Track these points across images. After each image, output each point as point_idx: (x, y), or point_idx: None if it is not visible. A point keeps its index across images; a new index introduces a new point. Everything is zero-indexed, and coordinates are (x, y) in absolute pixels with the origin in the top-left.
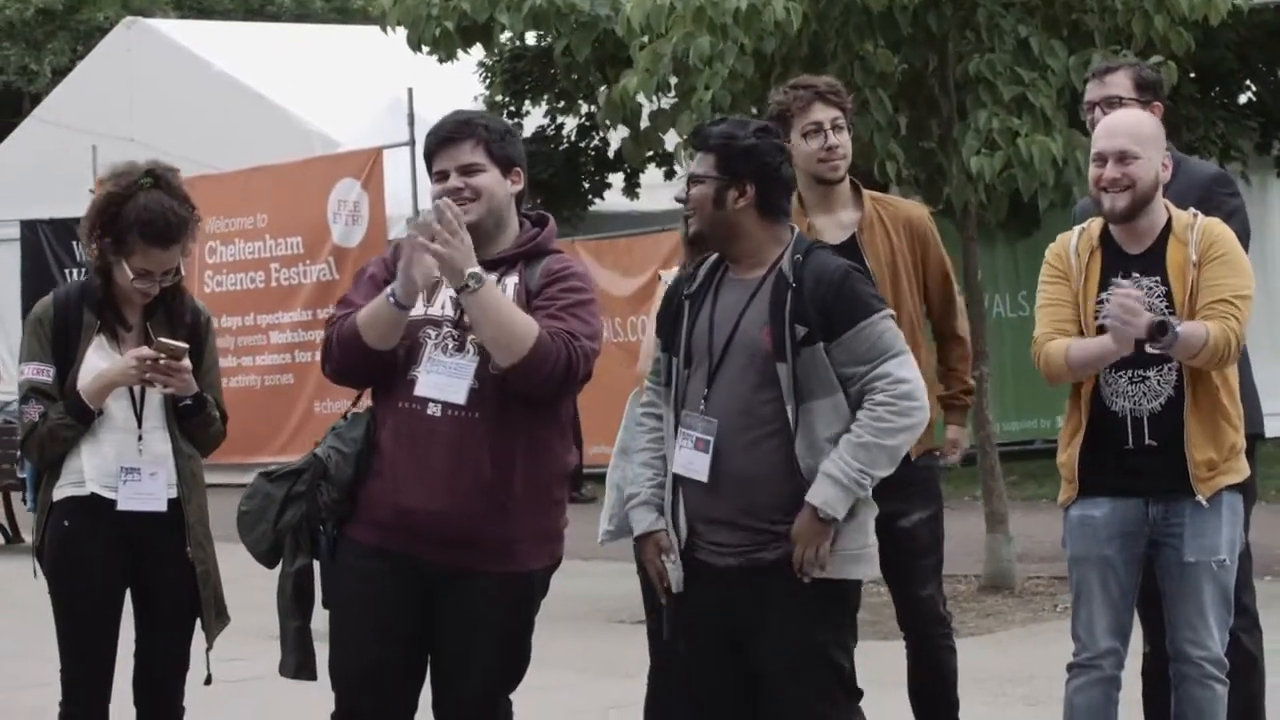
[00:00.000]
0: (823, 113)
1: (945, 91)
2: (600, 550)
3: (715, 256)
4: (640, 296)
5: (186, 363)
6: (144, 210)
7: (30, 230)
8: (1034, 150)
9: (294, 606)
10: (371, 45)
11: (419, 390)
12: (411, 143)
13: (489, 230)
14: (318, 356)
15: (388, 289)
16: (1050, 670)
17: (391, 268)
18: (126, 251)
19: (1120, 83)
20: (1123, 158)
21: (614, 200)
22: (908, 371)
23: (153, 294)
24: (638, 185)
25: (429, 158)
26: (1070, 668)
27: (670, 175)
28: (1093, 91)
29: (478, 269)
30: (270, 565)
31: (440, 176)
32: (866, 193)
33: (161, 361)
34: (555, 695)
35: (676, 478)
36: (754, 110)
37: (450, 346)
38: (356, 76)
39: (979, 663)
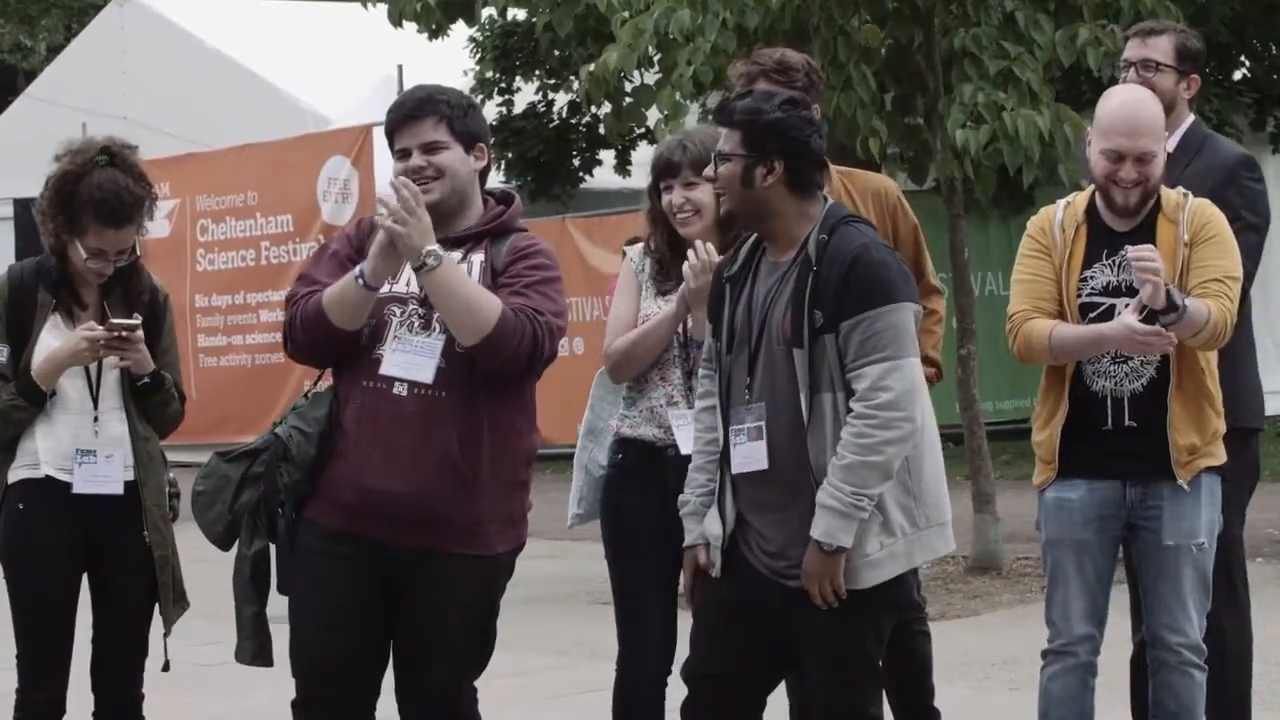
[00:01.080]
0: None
1: (931, 67)
2: (574, 531)
3: (755, 236)
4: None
5: (140, 335)
6: (97, 189)
7: (24, 208)
8: (1020, 124)
9: (251, 591)
10: (362, 22)
11: (385, 369)
12: None
13: (453, 208)
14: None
15: (356, 269)
16: (1034, 655)
17: (355, 245)
18: (80, 231)
19: (1162, 47)
20: (1143, 158)
21: (605, 177)
22: (892, 379)
23: (107, 274)
24: (629, 162)
25: (390, 135)
26: (1045, 654)
27: None
28: (1132, 50)
29: (435, 247)
30: (225, 548)
31: (402, 154)
32: (833, 167)
33: (116, 335)
34: (534, 679)
35: (724, 468)
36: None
37: (416, 325)
38: (348, 53)
39: (964, 646)
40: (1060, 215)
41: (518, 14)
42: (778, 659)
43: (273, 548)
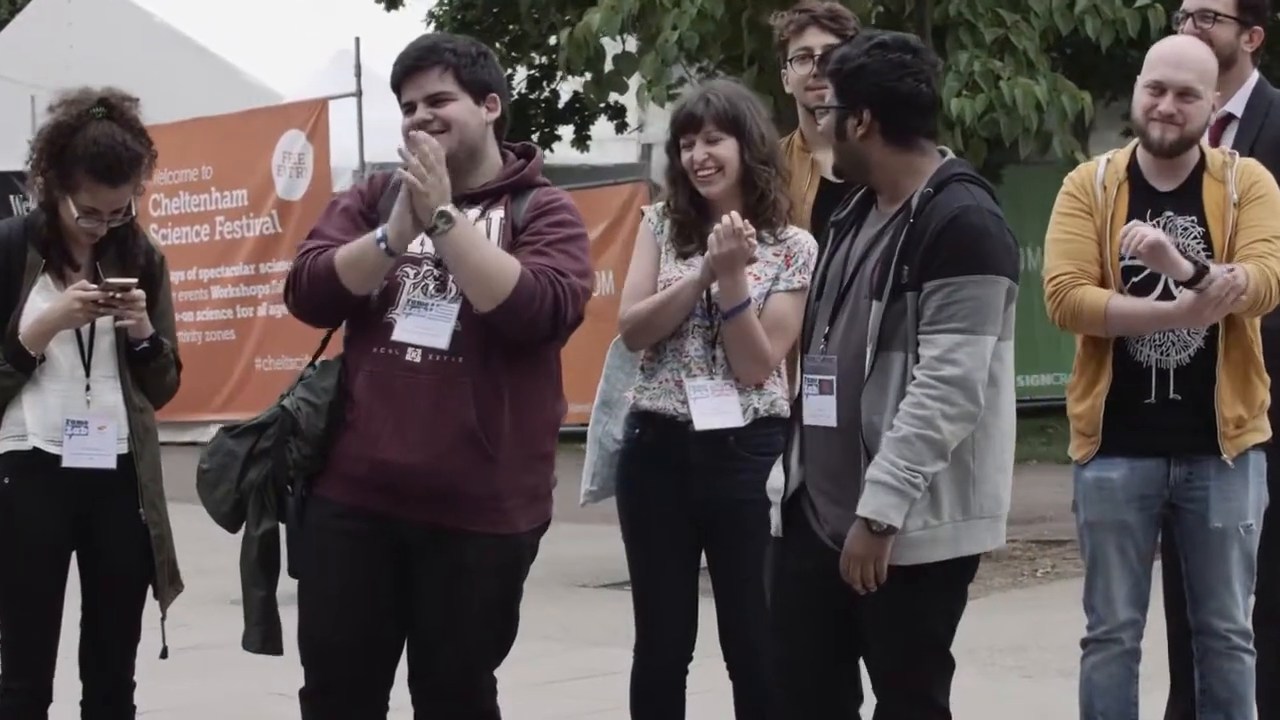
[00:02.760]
0: (815, 38)
1: (923, 35)
2: (566, 513)
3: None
4: (594, 251)
5: (139, 294)
6: (93, 144)
7: None
8: (1017, 93)
9: (259, 574)
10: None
11: (398, 335)
12: (359, 94)
13: (462, 163)
14: (259, 311)
15: (378, 231)
16: (1041, 641)
17: (367, 200)
18: (72, 187)
19: None
20: (1185, 92)
21: (563, 153)
22: (963, 353)
23: (99, 234)
24: (588, 137)
25: (396, 89)
26: (1085, 643)
27: (621, 128)
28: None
29: (448, 208)
30: (233, 529)
31: (408, 108)
32: None
33: (113, 296)
34: (525, 666)
35: (795, 420)
36: (720, 55)
37: (431, 287)
38: (300, 29)
39: (965, 630)
40: (1102, 172)
41: None
42: (846, 637)
43: (282, 528)
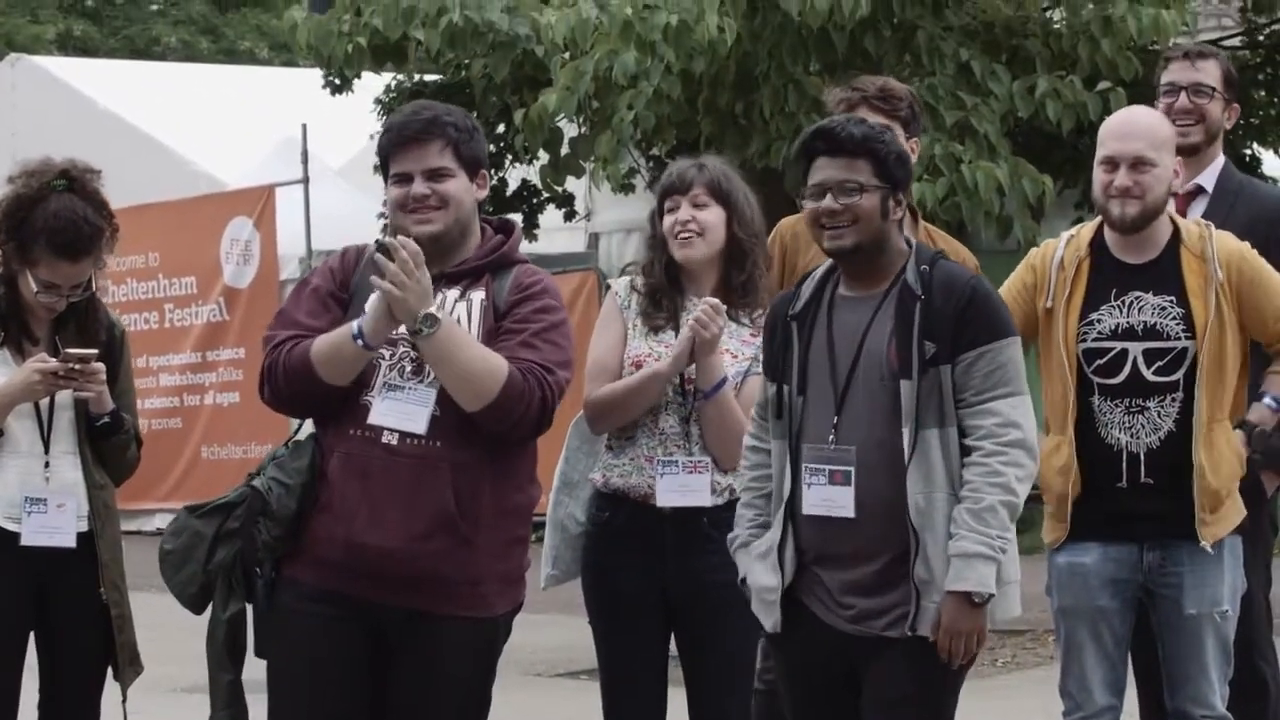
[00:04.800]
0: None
1: None
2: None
3: (820, 272)
4: None
5: (99, 366)
6: (53, 218)
7: None
8: (979, 176)
9: (227, 658)
10: (259, 86)
11: (374, 419)
12: (305, 180)
13: (454, 240)
14: (206, 400)
15: (354, 325)
16: None
17: (338, 279)
18: (31, 261)
19: (1212, 71)
20: (1137, 164)
21: None
22: (1021, 415)
23: (58, 309)
24: (536, 227)
25: (387, 157)
26: None
27: (570, 217)
28: (1180, 73)
29: (433, 310)
30: (199, 610)
31: (401, 179)
32: (922, 224)
33: (73, 367)
34: None
35: (790, 515)
36: (674, 139)
37: (408, 370)
38: (244, 117)
39: None
40: (1061, 251)
41: (424, 76)
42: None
43: (249, 608)
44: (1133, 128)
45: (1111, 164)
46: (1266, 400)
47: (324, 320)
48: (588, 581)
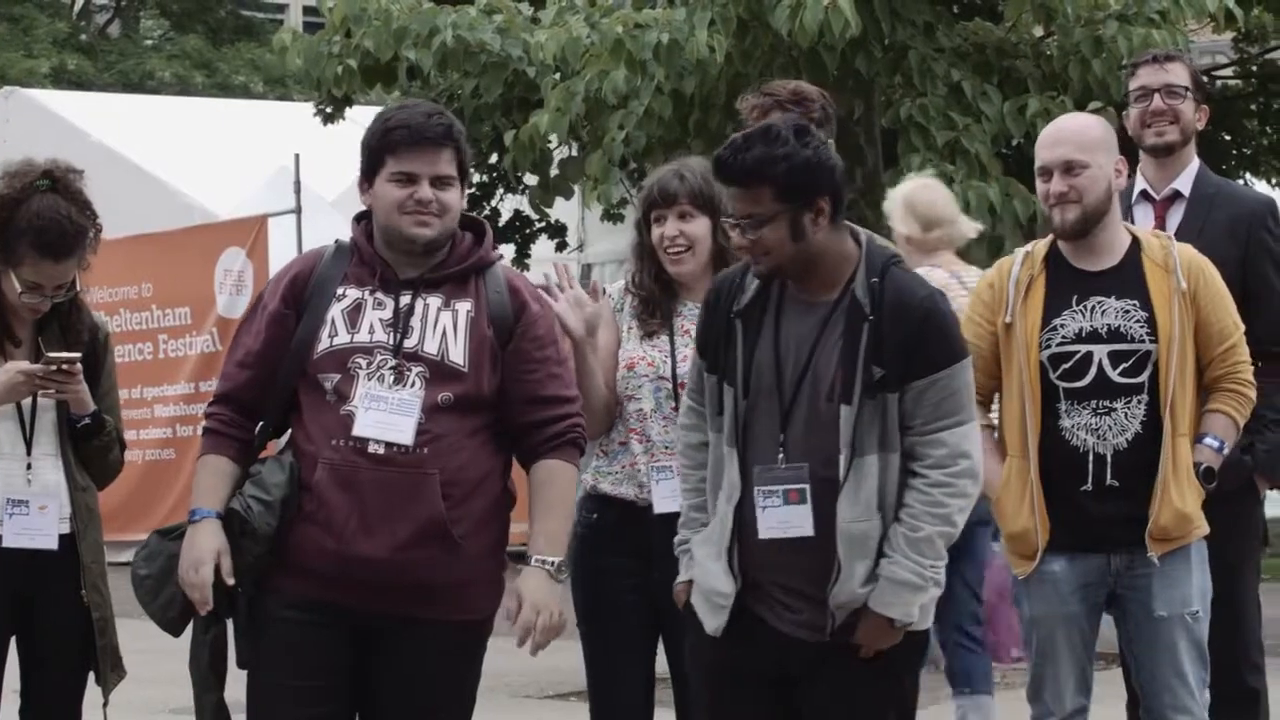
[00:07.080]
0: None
1: (871, 141)
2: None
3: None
4: None
5: (79, 369)
6: (36, 217)
7: None
8: (970, 196)
9: (211, 678)
10: (252, 119)
11: (359, 430)
12: (298, 210)
13: (440, 247)
14: (200, 430)
15: (200, 507)
16: None
17: (293, 296)
18: (15, 261)
19: (1181, 73)
20: (1069, 169)
21: None
22: (969, 444)
23: (42, 310)
24: (528, 256)
25: (391, 152)
26: None
27: (562, 247)
28: (1150, 76)
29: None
30: (177, 633)
31: (404, 180)
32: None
33: (55, 370)
34: None
35: (738, 525)
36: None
37: (389, 379)
38: (236, 150)
39: None
40: (1017, 268)
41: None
42: None
43: (229, 624)
44: (1060, 133)
45: (1046, 173)
46: (1208, 440)
47: (274, 349)
48: (578, 583)
